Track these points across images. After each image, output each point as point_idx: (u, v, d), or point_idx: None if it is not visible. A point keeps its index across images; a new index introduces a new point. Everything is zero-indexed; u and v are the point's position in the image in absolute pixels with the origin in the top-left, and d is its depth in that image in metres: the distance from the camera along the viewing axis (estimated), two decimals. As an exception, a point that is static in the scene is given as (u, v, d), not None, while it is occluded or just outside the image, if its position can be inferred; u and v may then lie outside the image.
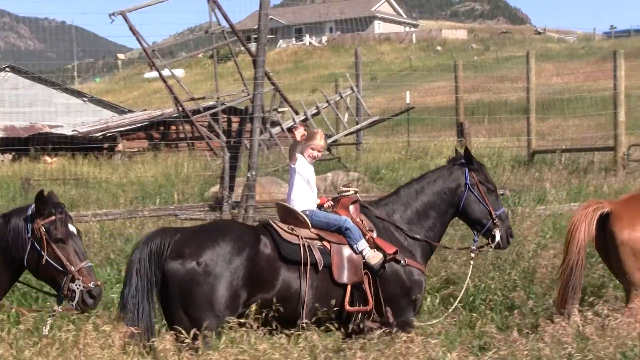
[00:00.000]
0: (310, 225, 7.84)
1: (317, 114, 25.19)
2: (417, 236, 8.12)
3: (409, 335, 6.84)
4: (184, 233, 7.63)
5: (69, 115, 40.48)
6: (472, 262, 8.64)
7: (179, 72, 58.17)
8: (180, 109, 27.23)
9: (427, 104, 40.75)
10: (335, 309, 7.55)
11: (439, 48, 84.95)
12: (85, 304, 6.98)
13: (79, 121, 37.18)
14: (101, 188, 18.99)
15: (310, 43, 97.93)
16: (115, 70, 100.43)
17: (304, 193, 8.06)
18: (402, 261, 7.83)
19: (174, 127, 30.63)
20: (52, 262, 7.01)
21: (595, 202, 9.18)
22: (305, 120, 24.91)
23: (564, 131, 29.63)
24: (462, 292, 8.75)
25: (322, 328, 7.35)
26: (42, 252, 7.01)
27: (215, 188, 15.50)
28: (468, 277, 8.78)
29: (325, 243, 7.74)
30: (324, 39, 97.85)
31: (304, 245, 7.61)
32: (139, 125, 30.82)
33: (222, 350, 6.55)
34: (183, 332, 6.77)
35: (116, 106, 43.59)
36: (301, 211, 7.92)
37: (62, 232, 7.07)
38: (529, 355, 6.68)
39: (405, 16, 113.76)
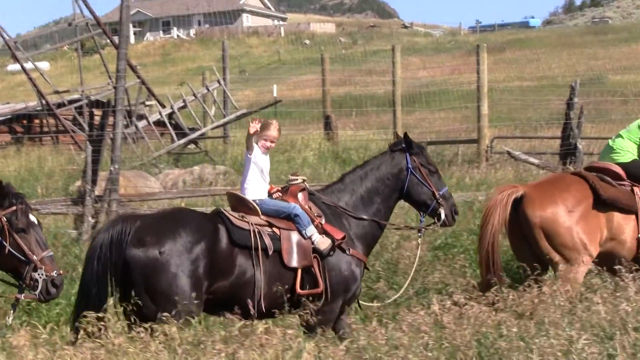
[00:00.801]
0: (260, 213, 8.07)
1: (184, 107, 24.98)
2: (364, 216, 8.39)
3: (266, 326, 6.88)
4: (144, 220, 7.78)
5: None
6: (419, 242, 8.95)
7: (44, 65, 56.85)
8: (43, 102, 26.62)
9: (295, 97, 40.90)
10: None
11: (307, 41, 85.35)
12: (49, 293, 7.06)
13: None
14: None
15: (178, 36, 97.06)
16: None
17: (257, 182, 8.28)
18: (347, 250, 8.16)
19: (37, 121, 29.89)
20: (15, 252, 7.07)
21: (509, 186, 9.54)
22: (171, 114, 24.69)
23: (430, 124, 30.12)
24: (412, 273, 9.04)
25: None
26: (4, 243, 7.05)
27: (80, 182, 15.21)
28: (417, 258, 9.05)
29: (274, 229, 8.00)
30: (192, 32, 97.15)
31: (254, 231, 7.85)
32: (1, 118, 29.97)
33: (79, 345, 6.44)
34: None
35: (-22, 99, 42.33)
36: (252, 200, 8.14)
37: (23, 222, 7.14)
38: (387, 345, 6.76)
39: (273, 9, 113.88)
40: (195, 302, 7.41)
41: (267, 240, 7.89)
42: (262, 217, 8.06)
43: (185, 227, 7.67)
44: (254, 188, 8.26)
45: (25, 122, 29.86)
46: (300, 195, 8.28)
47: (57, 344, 6.54)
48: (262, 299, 7.75)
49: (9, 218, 7.11)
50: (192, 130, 24.44)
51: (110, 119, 14.70)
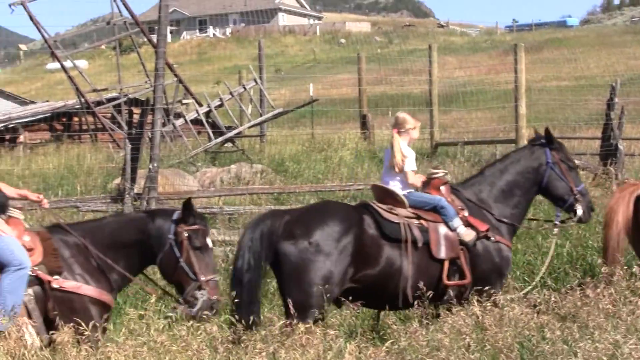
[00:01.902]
0: (408, 205, 8.35)
1: (221, 105, 25.02)
2: (505, 220, 8.67)
3: (308, 326, 6.87)
4: (292, 215, 8.12)
5: (-31, 107, 39.48)
6: (555, 236, 9.28)
7: (82, 64, 57.21)
8: (82, 100, 26.79)
9: (331, 96, 40.86)
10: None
11: (342, 40, 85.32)
12: (204, 314, 7.16)
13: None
14: (2, 180, 18.53)
15: (214, 35, 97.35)
16: (17, 61, 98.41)
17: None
18: (492, 238, 8.40)
19: (76, 119, 30.11)
20: (186, 268, 7.30)
21: (630, 184, 9.61)
22: (209, 112, 24.74)
23: (467, 124, 30.00)
24: (545, 266, 9.30)
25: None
26: (180, 256, 7.30)
27: (118, 180, 15.29)
28: (551, 251, 9.27)
29: (422, 221, 8.28)
30: (228, 30, 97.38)
31: (404, 223, 8.14)
32: (41, 116, 30.21)
33: (122, 342, 6.46)
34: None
35: (18, 97, 42.64)
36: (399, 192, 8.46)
37: (201, 242, 7.37)
38: (428, 346, 6.73)
39: (309, 8, 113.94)
40: (340, 288, 7.75)
41: (417, 232, 8.17)
42: (409, 209, 8.34)
43: (332, 217, 7.96)
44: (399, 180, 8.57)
45: (64, 120, 30.11)
46: (443, 189, 8.53)
47: (100, 341, 6.57)
48: (408, 289, 7.97)
49: (189, 235, 7.34)
50: (229, 128, 24.48)
51: (149, 117, 14.75)
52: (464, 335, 6.87)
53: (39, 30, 26.74)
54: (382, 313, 8.41)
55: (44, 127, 30.05)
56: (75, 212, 13.28)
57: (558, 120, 30.45)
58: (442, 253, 8.20)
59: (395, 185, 8.56)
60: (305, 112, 30.87)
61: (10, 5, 26.00)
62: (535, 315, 7.38)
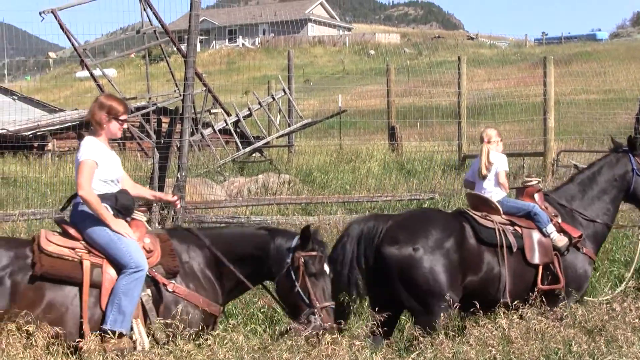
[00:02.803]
0: (502, 212, 8.72)
1: (249, 115, 25.10)
2: (598, 220, 9.04)
3: (334, 337, 6.87)
4: (395, 220, 8.34)
5: (-1, 114, 39.78)
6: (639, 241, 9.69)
7: (111, 72, 57.57)
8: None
9: (359, 107, 40.80)
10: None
11: (372, 52, 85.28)
12: (315, 339, 7.05)
13: (8, 120, 36.54)
14: (30, 187, 18.69)
15: (243, 45, 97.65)
16: (46, 69, 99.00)
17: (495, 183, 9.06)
18: (581, 249, 8.74)
19: (104, 127, 30.22)
20: (301, 293, 7.35)
21: None
22: (237, 122, 24.81)
23: (495, 136, 29.83)
24: (631, 271, 9.60)
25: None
26: (295, 282, 7.37)
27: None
28: (637, 255, 9.57)
29: (516, 227, 8.61)
30: (257, 41, 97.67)
31: (498, 229, 8.45)
32: (69, 124, 30.38)
33: (148, 351, 6.49)
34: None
35: (47, 105, 42.93)
36: (493, 200, 8.87)
37: (317, 268, 7.42)
38: (455, 358, 6.72)
39: (338, 19, 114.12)
40: (454, 293, 7.91)
41: (511, 238, 8.45)
42: (503, 216, 8.68)
43: (434, 224, 8.21)
44: (493, 189, 9.01)
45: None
46: (536, 196, 8.89)
47: (126, 349, 6.60)
48: (506, 294, 8.19)
49: (306, 260, 7.40)
50: (257, 138, 24.54)
51: (177, 127, 14.81)
52: (490, 348, 6.85)
53: (69, 39, 26.91)
54: (408, 324, 8.40)
55: (72, 135, 30.16)
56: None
57: (586, 133, 30.24)
58: (536, 258, 8.47)
59: (483, 192, 9.00)
60: (334, 123, 30.89)
61: (40, 13, 26.17)
62: (562, 328, 7.34)
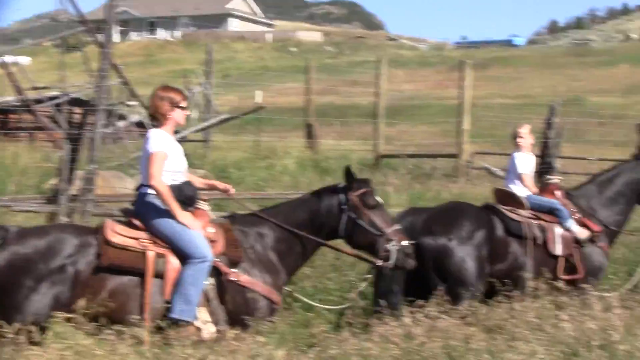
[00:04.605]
0: (528, 206, 9.40)
1: (166, 109, 24.85)
2: (612, 227, 9.74)
3: (237, 333, 6.89)
4: (430, 212, 9.00)
5: None
6: None
7: (25, 60, 56.48)
8: (21, 97, 26.40)
9: (278, 104, 40.89)
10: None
11: (293, 49, 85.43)
12: (404, 262, 7.75)
13: None
14: None
15: (163, 37, 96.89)
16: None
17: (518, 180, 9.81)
18: (597, 243, 9.42)
19: (14, 116, 29.70)
20: (368, 227, 7.72)
21: None
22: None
23: (412, 137, 30.20)
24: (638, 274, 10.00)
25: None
26: (359, 220, 7.71)
27: (55, 180, 15.10)
28: None
29: (541, 221, 9.28)
30: (178, 33, 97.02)
31: (526, 223, 9.16)
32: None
33: (48, 345, 6.40)
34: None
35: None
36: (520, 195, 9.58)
37: (373, 201, 7.80)
38: (358, 355, 6.76)
39: (261, 15, 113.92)
40: (481, 282, 8.56)
41: (537, 231, 9.13)
42: (529, 210, 9.36)
43: (465, 216, 8.85)
44: (518, 185, 9.75)
45: (1, 116, 29.65)
46: (557, 193, 9.63)
47: (23, 343, 6.49)
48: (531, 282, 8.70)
49: (361, 198, 7.76)
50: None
51: (91, 118, 14.60)
52: (393, 345, 6.92)
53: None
54: (313, 322, 8.43)
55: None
56: (6, 212, 13.03)
57: (500, 136, 30.74)
58: (558, 250, 9.15)
59: (514, 189, 9.73)
60: (252, 119, 30.85)
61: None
62: (464, 326, 7.46)
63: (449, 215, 8.94)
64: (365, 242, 7.78)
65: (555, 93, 42.14)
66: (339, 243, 8.03)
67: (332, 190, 7.90)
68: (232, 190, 8.04)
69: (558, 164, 17.87)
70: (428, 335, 7.17)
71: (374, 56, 38.33)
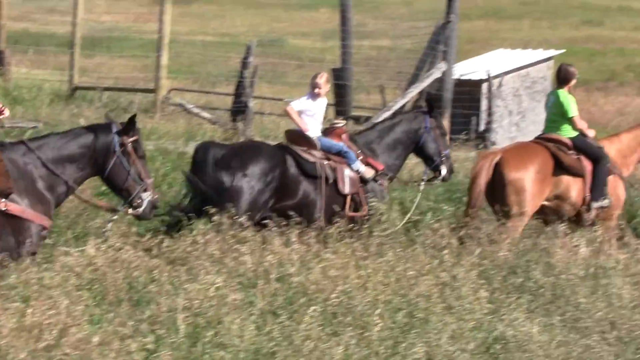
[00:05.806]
0: (319, 147, 10.02)
1: None
2: (390, 171, 10.48)
3: None
4: (228, 149, 9.83)
5: None
6: (421, 189, 11.01)
7: None
8: None
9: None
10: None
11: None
12: (149, 213, 8.15)
13: None
14: None
15: None
16: None
17: (312, 124, 10.21)
18: (379, 181, 10.19)
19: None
20: (133, 174, 7.95)
21: (489, 153, 11.89)
22: None
23: (110, 70, 29.82)
24: (411, 212, 10.60)
25: None
26: (128, 166, 7.94)
27: None
28: (417, 200, 10.85)
29: (331, 162, 9.93)
30: None
31: (319, 163, 9.83)
32: None
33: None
34: None
35: None
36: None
37: (142, 151, 8.16)
38: (38, 284, 6.77)
39: None
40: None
41: (329, 171, 9.81)
42: (320, 151, 9.99)
43: (262, 155, 9.61)
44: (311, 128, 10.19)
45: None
46: (343, 137, 10.26)
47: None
48: (322, 217, 9.60)
49: (134, 145, 8.01)
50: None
51: None
52: (75, 275, 7.00)
53: None
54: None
55: None
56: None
57: (200, 74, 31.04)
58: (347, 189, 9.87)
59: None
60: None
61: None
62: (147, 258, 7.66)
63: (247, 152, 9.71)
64: (125, 187, 8.05)
65: (256, 33, 42.85)
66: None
67: (107, 129, 8.03)
68: (6, 113, 7.94)
69: (252, 103, 18.31)
70: (112, 266, 7.30)
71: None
